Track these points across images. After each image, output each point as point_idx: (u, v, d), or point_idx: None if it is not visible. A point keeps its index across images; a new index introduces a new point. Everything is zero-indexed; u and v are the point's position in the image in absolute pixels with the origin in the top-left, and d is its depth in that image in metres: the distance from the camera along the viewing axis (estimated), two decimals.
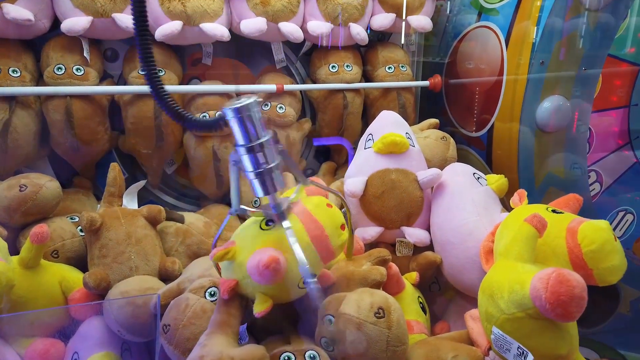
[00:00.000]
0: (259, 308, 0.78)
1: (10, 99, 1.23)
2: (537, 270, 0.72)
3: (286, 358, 0.79)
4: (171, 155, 1.47)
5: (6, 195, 1.10)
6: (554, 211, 0.92)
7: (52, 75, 1.24)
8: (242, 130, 0.74)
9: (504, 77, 1.41)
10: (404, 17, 1.49)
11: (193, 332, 0.87)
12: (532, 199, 1.05)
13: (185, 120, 0.79)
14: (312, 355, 0.79)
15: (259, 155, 0.75)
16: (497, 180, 1.13)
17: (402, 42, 1.64)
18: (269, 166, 0.76)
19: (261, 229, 0.83)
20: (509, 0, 1.42)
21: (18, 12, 1.16)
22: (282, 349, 0.81)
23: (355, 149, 1.70)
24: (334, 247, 0.84)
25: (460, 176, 1.14)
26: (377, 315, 0.79)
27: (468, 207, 1.07)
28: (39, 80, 1.29)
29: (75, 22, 1.20)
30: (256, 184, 0.77)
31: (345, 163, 1.66)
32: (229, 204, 1.50)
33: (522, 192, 1.02)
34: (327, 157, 1.70)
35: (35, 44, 1.32)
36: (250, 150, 0.74)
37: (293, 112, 1.46)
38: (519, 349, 0.73)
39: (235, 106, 0.72)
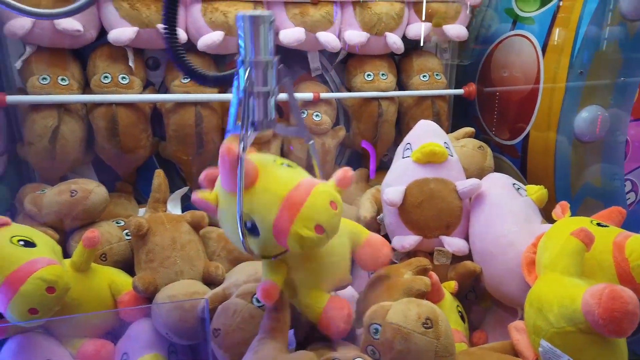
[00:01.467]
0: None
1: (59, 107, 1.27)
2: (587, 285, 0.73)
3: None
4: (210, 161, 1.50)
5: (57, 200, 1.14)
6: (598, 224, 0.92)
7: (99, 83, 1.28)
8: (252, 41, 0.71)
9: (541, 86, 1.41)
10: (422, 21, 1.51)
11: (243, 337, 0.90)
12: (570, 211, 1.06)
13: (199, 77, 0.80)
14: None
15: (267, 73, 0.72)
16: (537, 191, 1.13)
17: (434, 50, 1.65)
18: (273, 88, 0.73)
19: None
20: (546, 9, 1.42)
21: (68, 23, 1.20)
22: (330, 355, 0.83)
23: (386, 156, 1.73)
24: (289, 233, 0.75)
25: (499, 187, 1.15)
26: (425, 325, 0.80)
27: (508, 218, 1.08)
28: (85, 88, 1.34)
29: (122, 32, 1.24)
30: (257, 104, 0.74)
31: (380, 169, 1.67)
32: None
33: (564, 205, 1.03)
34: (359, 164, 1.71)
35: (80, 53, 1.37)
36: (257, 66, 0.71)
37: (329, 120, 1.48)
38: None
39: (251, 14, 0.70)
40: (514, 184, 1.16)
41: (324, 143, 1.49)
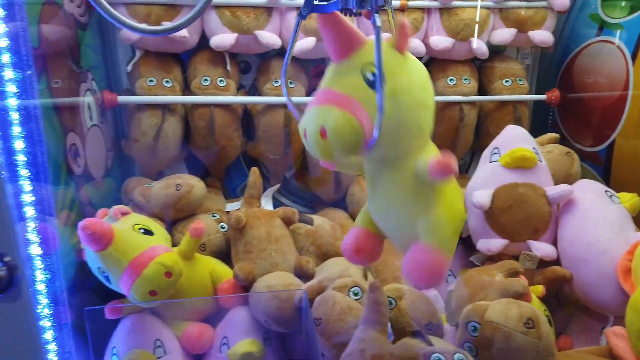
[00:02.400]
0: None
1: (163, 107, 1.38)
2: None
3: (437, 358, 0.84)
4: (294, 161, 1.57)
5: (165, 193, 1.24)
6: None
7: (199, 86, 1.38)
8: None
9: (629, 93, 1.39)
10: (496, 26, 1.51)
11: (342, 327, 0.95)
12: None
13: None
14: (460, 358, 0.85)
15: None
16: (630, 199, 1.13)
17: (516, 55, 1.66)
18: None
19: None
20: (636, 15, 1.40)
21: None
22: (431, 349, 0.87)
23: (462, 159, 1.74)
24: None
25: (592, 193, 1.15)
26: (527, 325, 0.83)
27: (601, 224, 1.08)
28: (185, 89, 1.44)
29: (224, 38, 1.33)
30: None
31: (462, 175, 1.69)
32: (344, 208, 1.58)
33: None
34: None
35: (180, 58, 1.47)
36: None
37: None
38: None
39: None
40: (606, 191, 1.16)
41: None
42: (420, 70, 0.75)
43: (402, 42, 0.70)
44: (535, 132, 1.53)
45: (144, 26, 0.69)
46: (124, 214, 1.05)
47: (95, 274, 1.02)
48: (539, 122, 1.74)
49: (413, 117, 0.70)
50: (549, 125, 1.72)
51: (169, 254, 0.99)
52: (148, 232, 1.03)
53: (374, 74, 0.64)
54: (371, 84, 0.65)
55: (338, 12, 0.67)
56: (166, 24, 1.21)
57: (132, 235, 1.00)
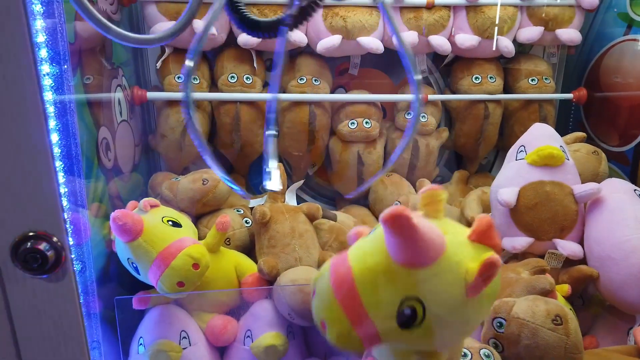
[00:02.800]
0: None
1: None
2: None
3: (464, 353, 0.85)
4: (316, 158, 1.58)
5: (192, 187, 1.26)
6: None
7: (226, 82, 1.40)
8: None
9: None
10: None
11: None
12: None
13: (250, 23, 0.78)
14: (486, 354, 0.85)
15: None
16: None
17: (542, 54, 1.64)
18: None
19: None
20: None
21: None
22: None
23: (486, 159, 1.73)
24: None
25: (620, 192, 1.13)
26: (554, 322, 0.82)
27: (631, 223, 1.06)
28: (212, 86, 1.46)
29: (250, 36, 1.34)
30: None
31: (478, 172, 1.68)
32: (366, 205, 1.59)
33: None
34: (457, 166, 1.73)
35: (207, 55, 1.49)
36: None
37: (434, 121, 1.52)
38: None
39: None
40: (635, 189, 1.14)
41: (428, 144, 1.53)
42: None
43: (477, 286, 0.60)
44: (560, 131, 1.50)
45: (131, 34, 0.70)
46: (152, 206, 1.07)
47: (124, 265, 1.04)
48: (563, 121, 1.72)
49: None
50: (574, 124, 1.70)
51: (197, 246, 1.01)
52: (176, 224, 1.05)
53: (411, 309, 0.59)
54: (404, 322, 0.60)
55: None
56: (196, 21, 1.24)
57: (161, 227, 1.02)
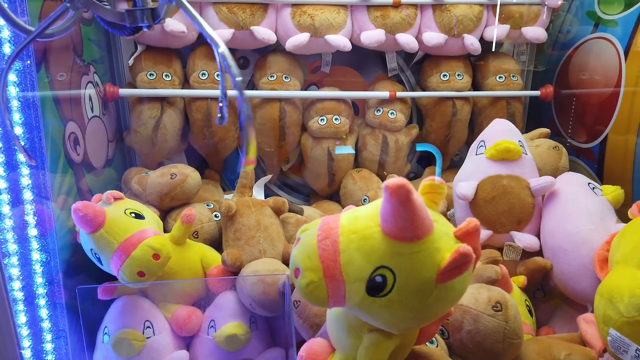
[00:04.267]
0: None
1: (162, 100, 1.43)
2: None
3: None
4: (289, 154, 1.61)
5: (159, 181, 1.29)
6: None
7: (197, 79, 1.43)
8: None
9: (622, 89, 1.40)
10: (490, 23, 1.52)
11: (319, 310, 0.98)
12: None
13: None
14: (431, 340, 0.87)
15: None
16: (613, 191, 1.13)
17: (511, 51, 1.67)
18: None
19: None
20: (630, 12, 1.41)
21: (175, 25, 1.35)
22: None
23: (457, 155, 1.76)
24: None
25: (574, 185, 1.16)
26: (494, 308, 0.85)
27: (583, 215, 1.09)
28: (185, 83, 1.49)
29: (220, 34, 1.37)
30: None
31: (450, 168, 1.71)
32: (338, 201, 1.61)
33: None
34: (429, 162, 1.76)
35: (180, 53, 1.52)
36: None
37: (403, 118, 1.54)
38: (637, 351, 0.76)
39: None
40: (589, 183, 1.17)
41: (397, 140, 1.56)
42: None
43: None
44: (532, 128, 1.54)
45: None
46: (116, 198, 1.10)
47: (88, 256, 1.07)
48: (537, 118, 1.74)
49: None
50: (545, 121, 1.73)
51: (158, 237, 1.04)
52: (139, 216, 1.08)
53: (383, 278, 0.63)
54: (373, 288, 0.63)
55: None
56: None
57: (123, 218, 1.05)
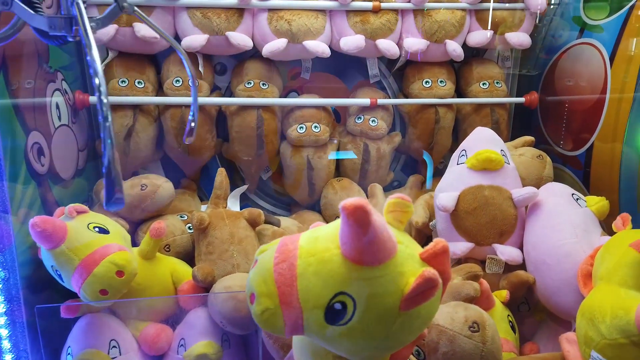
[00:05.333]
0: None
1: (135, 107, 1.38)
2: None
3: None
4: (268, 162, 1.56)
5: (129, 193, 1.24)
6: None
7: (171, 86, 1.38)
8: None
9: (607, 96, 1.36)
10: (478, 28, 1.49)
11: None
12: (635, 224, 1.02)
13: None
14: None
15: None
16: (598, 202, 1.10)
17: (496, 58, 1.63)
18: None
19: None
20: (615, 17, 1.37)
21: (146, 30, 1.31)
22: None
23: (442, 163, 1.72)
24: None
25: (558, 196, 1.12)
26: (471, 329, 0.81)
27: (566, 228, 1.05)
28: (159, 90, 1.44)
29: (194, 39, 1.33)
30: None
31: (434, 177, 1.67)
32: (319, 211, 1.57)
33: (626, 216, 0.99)
34: (413, 170, 1.72)
35: (155, 59, 1.47)
36: None
37: (385, 125, 1.50)
38: None
39: None
40: (573, 194, 1.13)
41: (379, 148, 1.52)
42: None
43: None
44: (518, 135, 1.50)
45: None
46: (79, 212, 1.05)
47: (50, 273, 1.01)
48: (524, 126, 1.71)
49: None
50: (531, 128, 1.69)
51: (122, 252, 0.99)
52: (103, 230, 1.03)
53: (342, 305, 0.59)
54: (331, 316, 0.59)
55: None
56: None
57: (85, 233, 1.00)
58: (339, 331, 0.59)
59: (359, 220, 0.53)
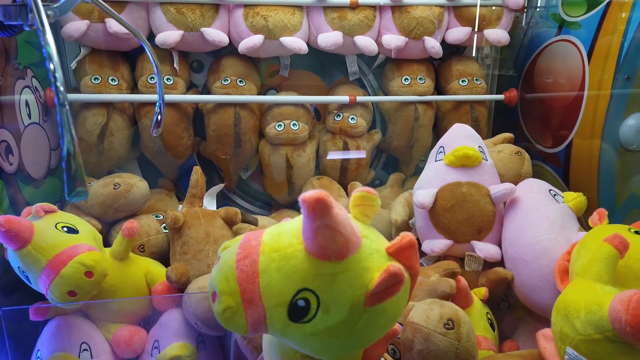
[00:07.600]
0: None
1: (108, 105, 1.35)
2: (617, 292, 0.70)
3: None
4: (247, 161, 1.54)
5: (102, 192, 1.21)
6: (637, 232, 0.88)
7: (146, 84, 1.35)
8: None
9: (585, 93, 1.36)
10: (476, 29, 1.49)
11: None
12: (613, 220, 1.01)
13: None
14: None
15: None
16: (575, 198, 1.09)
17: (476, 55, 1.63)
18: None
19: None
20: (593, 14, 1.38)
21: (119, 26, 1.28)
22: None
23: (423, 161, 1.71)
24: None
25: (535, 192, 1.12)
26: (446, 326, 0.79)
27: (543, 225, 1.05)
28: (134, 88, 1.41)
29: (168, 35, 1.30)
30: None
31: (415, 174, 1.66)
32: (299, 210, 1.55)
33: (602, 212, 0.99)
34: (395, 168, 1.71)
35: (131, 56, 1.44)
36: None
37: (364, 123, 1.49)
38: None
39: None
40: (550, 190, 1.13)
41: (359, 146, 1.50)
42: None
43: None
44: (497, 133, 1.50)
45: None
46: (47, 211, 1.02)
47: (17, 274, 0.98)
48: (504, 123, 1.71)
49: None
50: (511, 125, 1.69)
51: (92, 252, 0.96)
52: (72, 230, 1.00)
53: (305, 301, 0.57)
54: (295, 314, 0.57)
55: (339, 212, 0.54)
56: None
57: (53, 233, 0.97)
58: (303, 329, 0.57)
59: (320, 213, 0.51)
